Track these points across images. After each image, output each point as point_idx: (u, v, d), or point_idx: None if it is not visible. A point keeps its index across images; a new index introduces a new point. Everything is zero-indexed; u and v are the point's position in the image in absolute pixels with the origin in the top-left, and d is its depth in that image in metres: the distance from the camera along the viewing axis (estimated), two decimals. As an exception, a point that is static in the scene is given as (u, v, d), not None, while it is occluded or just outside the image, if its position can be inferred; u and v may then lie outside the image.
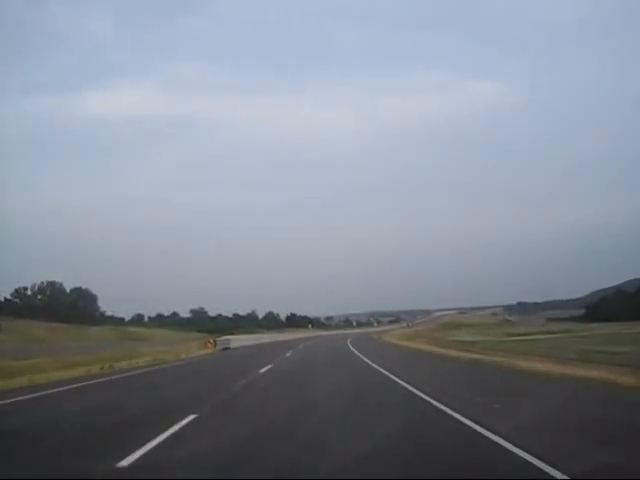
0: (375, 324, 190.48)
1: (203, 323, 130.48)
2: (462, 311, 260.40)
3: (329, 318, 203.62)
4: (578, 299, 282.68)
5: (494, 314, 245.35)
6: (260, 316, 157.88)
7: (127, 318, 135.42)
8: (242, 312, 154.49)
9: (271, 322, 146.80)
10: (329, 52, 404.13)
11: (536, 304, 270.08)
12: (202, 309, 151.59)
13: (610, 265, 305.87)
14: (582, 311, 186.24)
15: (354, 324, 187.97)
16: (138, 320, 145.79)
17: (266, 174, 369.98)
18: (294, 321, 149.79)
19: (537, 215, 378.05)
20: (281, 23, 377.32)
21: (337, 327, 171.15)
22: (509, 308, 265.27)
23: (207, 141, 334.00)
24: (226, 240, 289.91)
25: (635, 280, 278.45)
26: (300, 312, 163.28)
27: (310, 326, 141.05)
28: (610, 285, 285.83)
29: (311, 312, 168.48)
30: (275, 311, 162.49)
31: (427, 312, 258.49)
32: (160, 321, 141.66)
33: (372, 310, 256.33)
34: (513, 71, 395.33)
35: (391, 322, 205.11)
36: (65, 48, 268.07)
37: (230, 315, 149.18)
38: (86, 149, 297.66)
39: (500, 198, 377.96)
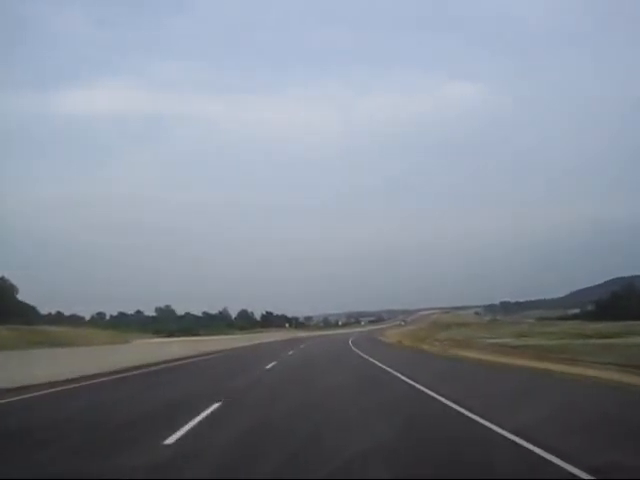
0: (362, 323, 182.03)
1: (168, 322, 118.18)
2: (445, 311, 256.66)
3: (308, 318, 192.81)
4: (559, 299, 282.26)
5: (476, 314, 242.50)
6: (233, 315, 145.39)
7: (87, 317, 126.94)
8: (213, 311, 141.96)
9: (245, 322, 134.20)
10: (313, 52, 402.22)
11: (518, 304, 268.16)
12: (169, 307, 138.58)
13: (589, 266, 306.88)
14: (576, 310, 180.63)
15: (339, 323, 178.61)
16: (99, 319, 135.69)
17: (243, 172, 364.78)
18: (270, 320, 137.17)
19: (517, 217, 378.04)
20: (263, 23, 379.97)
21: (318, 327, 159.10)
22: (491, 308, 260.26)
23: (184, 140, 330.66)
24: (202, 238, 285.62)
25: (615, 280, 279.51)
26: (277, 312, 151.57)
27: (287, 325, 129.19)
28: (589, 285, 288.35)
29: (288, 312, 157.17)
30: (249, 309, 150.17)
31: (408, 312, 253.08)
32: (118, 320, 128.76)
33: (350, 310, 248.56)
34: (501, 72, 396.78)
35: (372, 322, 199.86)
36: (46, 46, 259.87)
37: (199, 314, 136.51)
38: (66, 147, 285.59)
39: (480, 200, 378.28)
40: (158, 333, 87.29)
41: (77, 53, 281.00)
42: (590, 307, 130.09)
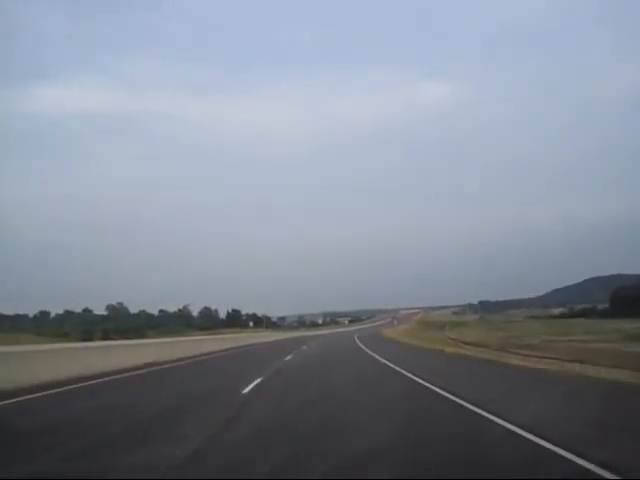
0: (346, 322, 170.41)
1: (119, 321, 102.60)
2: (424, 310, 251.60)
3: (282, 318, 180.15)
4: (538, 297, 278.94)
5: (455, 313, 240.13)
6: (195, 313, 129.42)
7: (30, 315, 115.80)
8: (171, 308, 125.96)
9: (207, 321, 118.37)
10: (285, 52, 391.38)
11: (498, 303, 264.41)
12: (121, 305, 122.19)
13: (567, 265, 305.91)
14: (561, 309, 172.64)
15: (320, 322, 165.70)
16: (42, 317, 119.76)
17: (213, 171, 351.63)
18: (237, 320, 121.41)
19: (495, 217, 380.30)
20: (235, 22, 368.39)
21: (291, 328, 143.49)
22: (469, 307, 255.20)
23: (155, 137, 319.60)
24: (168, 236, 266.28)
25: (593, 279, 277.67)
26: (247, 310, 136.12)
27: (252, 324, 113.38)
28: (568, 284, 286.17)
29: (259, 311, 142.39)
30: (214, 307, 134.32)
31: (386, 311, 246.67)
32: (64, 319, 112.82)
33: (326, 310, 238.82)
34: (475, 72, 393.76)
35: (351, 322, 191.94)
36: (15, 42, 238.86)
37: (156, 312, 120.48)
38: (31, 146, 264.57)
39: (456, 201, 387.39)
40: (87, 334, 71.98)
41: (48, 49, 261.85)
42: (578, 306, 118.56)
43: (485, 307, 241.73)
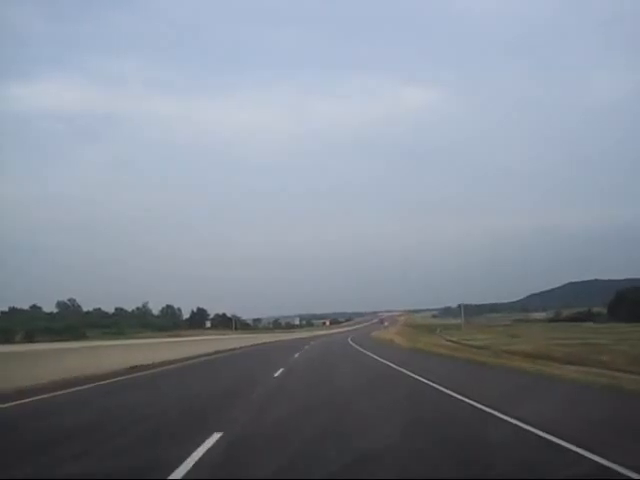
0: (327, 323, 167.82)
1: (69, 319, 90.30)
2: (402, 314, 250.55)
3: (257, 320, 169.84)
4: (516, 302, 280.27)
5: (434, 316, 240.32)
6: (155, 311, 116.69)
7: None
8: (129, 307, 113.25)
9: (167, 321, 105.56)
10: (263, 54, 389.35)
11: (477, 306, 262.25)
12: (73, 302, 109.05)
13: (544, 271, 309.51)
14: (544, 314, 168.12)
15: (297, 322, 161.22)
16: None
17: (187, 173, 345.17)
18: (203, 320, 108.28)
19: (474, 222, 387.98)
20: (211, 23, 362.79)
21: (267, 329, 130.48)
22: (447, 311, 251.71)
23: (126, 138, 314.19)
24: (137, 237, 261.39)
25: (568, 284, 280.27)
26: (217, 311, 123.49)
27: (208, 324, 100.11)
28: (544, 289, 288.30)
29: (230, 311, 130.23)
30: (177, 305, 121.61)
31: (363, 314, 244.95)
32: (10, 317, 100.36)
33: (302, 313, 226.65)
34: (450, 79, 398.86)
35: (331, 324, 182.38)
36: None
37: (111, 310, 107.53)
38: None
39: (434, 206, 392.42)
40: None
41: (20, 48, 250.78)
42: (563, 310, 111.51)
43: (464, 311, 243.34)
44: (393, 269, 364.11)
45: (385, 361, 22.00)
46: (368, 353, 28.63)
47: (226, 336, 58.10)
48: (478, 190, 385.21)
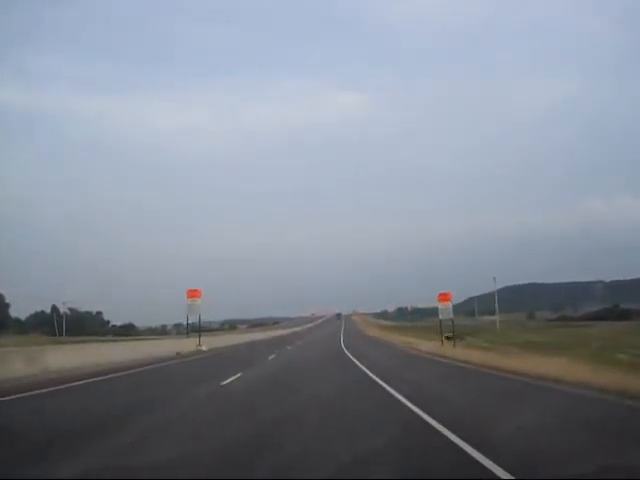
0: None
1: None
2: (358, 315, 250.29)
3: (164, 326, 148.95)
4: (455, 305, 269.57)
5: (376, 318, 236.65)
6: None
7: None
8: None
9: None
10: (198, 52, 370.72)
11: (417, 310, 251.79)
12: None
13: (480, 275, 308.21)
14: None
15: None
16: None
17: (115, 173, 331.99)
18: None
19: (410, 228, 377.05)
20: (142, 19, 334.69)
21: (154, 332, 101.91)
22: (383, 315, 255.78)
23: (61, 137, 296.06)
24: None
25: (505, 288, 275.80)
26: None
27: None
28: (484, 292, 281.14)
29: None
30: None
31: (290, 319, 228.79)
32: None
33: (225, 318, 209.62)
34: (383, 83, 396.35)
35: (252, 327, 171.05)
36: None
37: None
38: None
39: (368, 209, 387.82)
40: None
41: None
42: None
43: (402, 314, 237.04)
44: (326, 273, 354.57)
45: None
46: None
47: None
48: (418, 193, 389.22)
